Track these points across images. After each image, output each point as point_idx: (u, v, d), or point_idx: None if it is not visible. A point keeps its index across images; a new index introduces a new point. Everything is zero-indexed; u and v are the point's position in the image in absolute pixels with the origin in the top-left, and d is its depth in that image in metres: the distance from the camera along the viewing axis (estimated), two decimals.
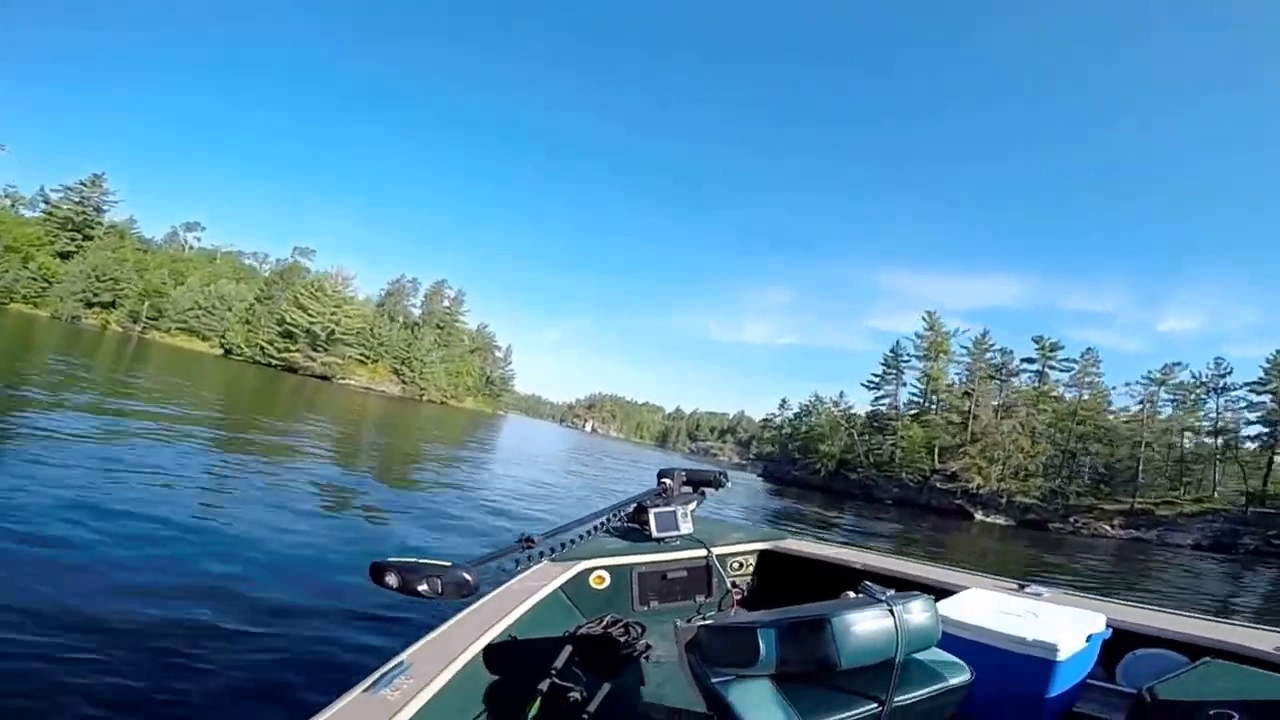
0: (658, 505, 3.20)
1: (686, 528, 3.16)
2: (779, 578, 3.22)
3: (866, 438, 67.29)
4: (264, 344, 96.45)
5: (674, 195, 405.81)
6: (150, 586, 4.71)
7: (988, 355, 62.02)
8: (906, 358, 67.60)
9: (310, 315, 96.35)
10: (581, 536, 2.65)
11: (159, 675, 3.53)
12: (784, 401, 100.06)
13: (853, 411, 72.86)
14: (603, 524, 2.89)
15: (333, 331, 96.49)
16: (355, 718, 1.48)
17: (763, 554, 3.30)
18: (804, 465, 73.69)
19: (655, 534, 3.12)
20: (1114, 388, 58.47)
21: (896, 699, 1.20)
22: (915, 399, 67.88)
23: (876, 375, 71.07)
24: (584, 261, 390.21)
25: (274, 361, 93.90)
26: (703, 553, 3.09)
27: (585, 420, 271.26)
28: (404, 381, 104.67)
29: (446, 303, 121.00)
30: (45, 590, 4.26)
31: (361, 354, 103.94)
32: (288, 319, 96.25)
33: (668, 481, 3.37)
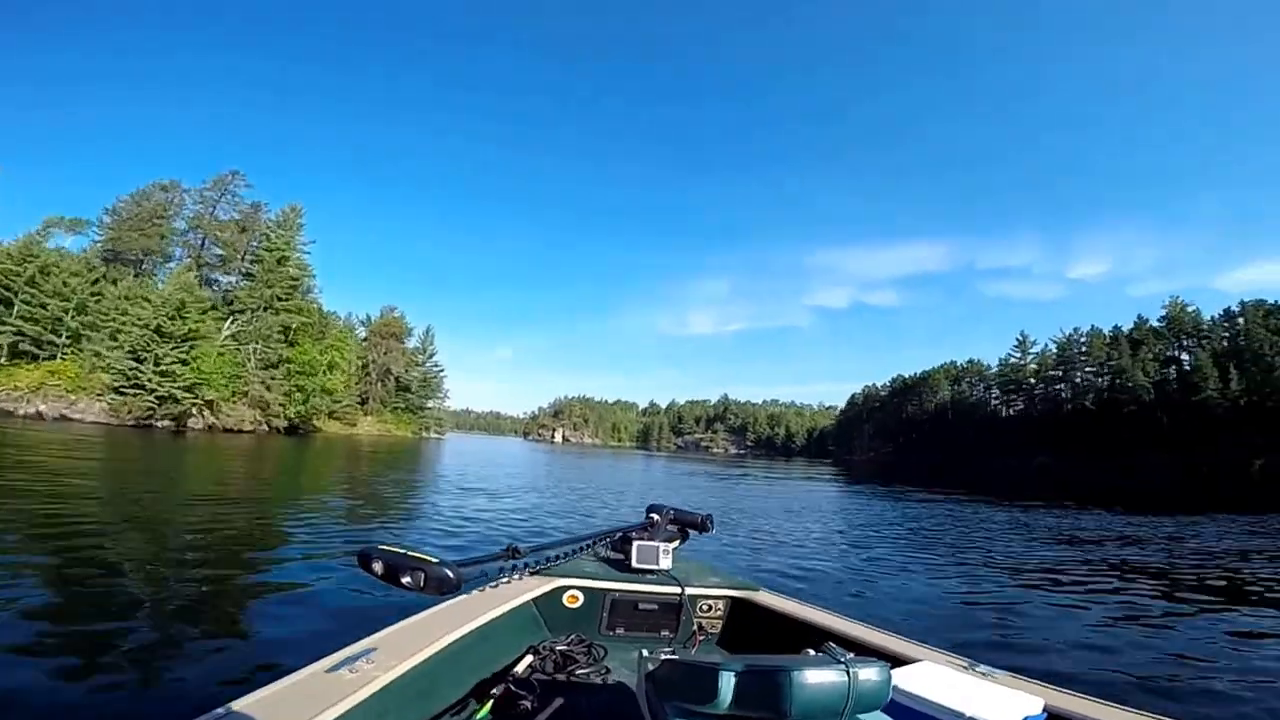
0: (642, 538, 2.99)
1: (666, 563, 2.92)
2: (746, 626, 2.92)
3: None
4: None
5: (592, 201, 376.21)
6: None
7: None
8: None
9: None
10: (565, 555, 2.58)
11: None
12: None
13: None
14: (587, 547, 2.81)
15: None
16: (306, 693, 1.42)
17: (734, 601, 2.98)
18: None
19: (635, 564, 2.89)
20: None
21: None
22: None
23: None
24: (523, 277, 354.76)
25: None
26: (677, 590, 2.85)
27: (553, 429, 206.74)
28: (120, 389, 38.69)
29: (261, 232, 54.38)
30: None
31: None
32: None
33: (655, 517, 3.16)
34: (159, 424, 38.45)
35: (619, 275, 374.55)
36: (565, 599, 2.75)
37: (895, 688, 1.52)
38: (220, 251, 53.43)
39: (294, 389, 50.88)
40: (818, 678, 1.15)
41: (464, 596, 2.36)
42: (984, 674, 1.96)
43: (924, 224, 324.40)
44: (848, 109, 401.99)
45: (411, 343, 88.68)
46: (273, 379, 47.99)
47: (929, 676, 1.81)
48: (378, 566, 1.37)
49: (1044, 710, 1.70)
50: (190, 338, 39.97)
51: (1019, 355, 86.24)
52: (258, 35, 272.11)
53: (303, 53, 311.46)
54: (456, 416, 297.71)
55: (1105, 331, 78.63)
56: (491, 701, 1.90)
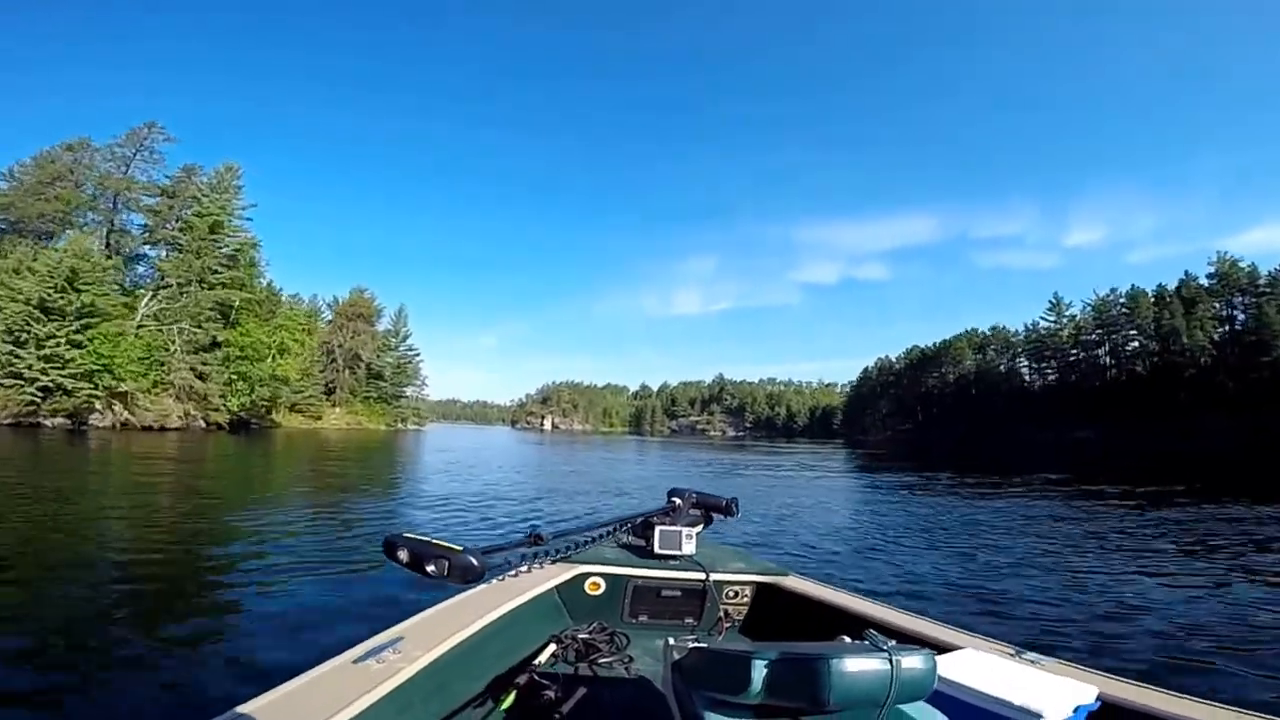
0: (664, 523, 2.91)
1: (689, 549, 2.84)
2: (774, 613, 2.83)
3: None
4: None
5: (569, 180, 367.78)
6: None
7: None
8: None
9: None
10: (587, 542, 2.54)
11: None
12: None
13: None
14: (608, 533, 2.73)
15: None
16: (333, 685, 1.45)
17: (761, 587, 2.91)
18: None
19: (657, 550, 2.83)
20: None
21: None
22: None
23: None
24: (504, 261, 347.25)
25: None
26: (701, 576, 2.79)
27: (542, 417, 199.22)
28: None
29: (190, 195, 44.99)
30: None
31: None
32: None
33: (677, 501, 3.05)
34: (49, 422, 30.49)
35: (601, 256, 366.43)
36: (587, 586, 2.72)
37: (939, 676, 1.49)
38: (144, 221, 44.82)
39: (234, 377, 42.90)
40: (859, 666, 1.10)
41: (488, 585, 2.33)
42: (1031, 661, 1.88)
43: (913, 194, 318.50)
44: (827, 74, 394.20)
45: (383, 326, 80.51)
46: (205, 365, 39.93)
47: (972, 664, 1.74)
48: (403, 554, 1.36)
49: (1098, 699, 1.64)
50: (86, 314, 31.78)
51: (1052, 319, 79.98)
52: (224, 17, 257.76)
53: (271, 33, 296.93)
54: (443, 406, 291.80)
55: (1148, 291, 72.73)
56: (515, 691, 1.89)
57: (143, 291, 40.90)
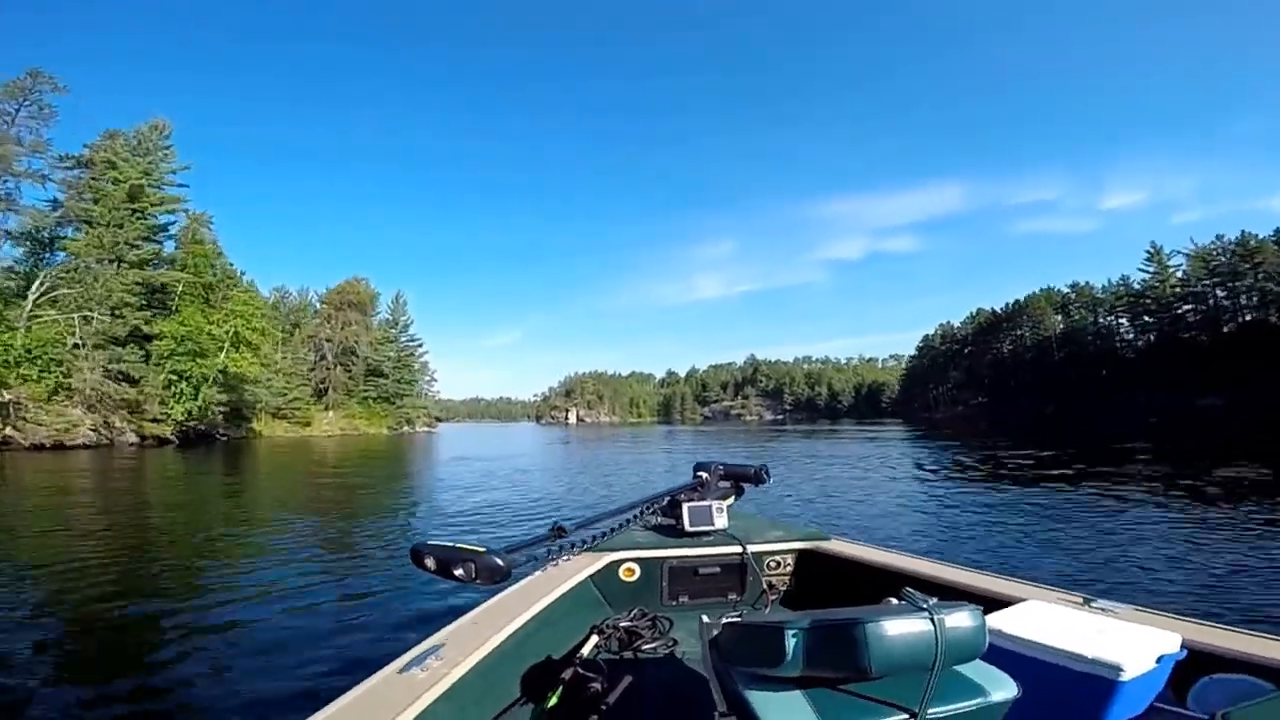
0: (692, 499, 2.86)
1: (721, 523, 2.80)
2: (819, 579, 2.80)
3: None
4: None
5: (587, 170, 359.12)
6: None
7: None
8: None
9: None
10: (614, 529, 2.52)
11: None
12: None
13: None
14: (635, 516, 2.68)
15: None
16: (384, 696, 1.48)
17: (803, 553, 2.86)
18: None
19: (688, 528, 2.78)
20: None
21: (931, 711, 1.08)
22: None
23: None
24: (522, 256, 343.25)
25: None
26: (738, 549, 2.74)
27: (566, 410, 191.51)
28: None
29: (105, 159, 37.57)
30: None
31: None
32: None
33: (704, 475, 3.04)
34: None
35: (614, 244, 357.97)
36: (621, 573, 2.68)
37: (998, 631, 1.45)
38: (54, 194, 37.33)
39: (174, 377, 35.28)
40: (897, 629, 1.04)
41: (521, 583, 2.33)
42: (1104, 610, 1.77)
43: (938, 163, 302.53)
44: (831, 45, 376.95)
45: (380, 317, 72.94)
46: (124, 362, 32.29)
47: (1037, 617, 1.66)
48: (430, 562, 1.41)
49: (1183, 647, 1.52)
50: None
51: (1151, 271, 68.46)
52: (212, 12, 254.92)
53: (269, 29, 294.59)
54: (468, 405, 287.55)
55: (1260, 236, 61.61)
56: (561, 686, 1.88)
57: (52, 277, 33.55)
